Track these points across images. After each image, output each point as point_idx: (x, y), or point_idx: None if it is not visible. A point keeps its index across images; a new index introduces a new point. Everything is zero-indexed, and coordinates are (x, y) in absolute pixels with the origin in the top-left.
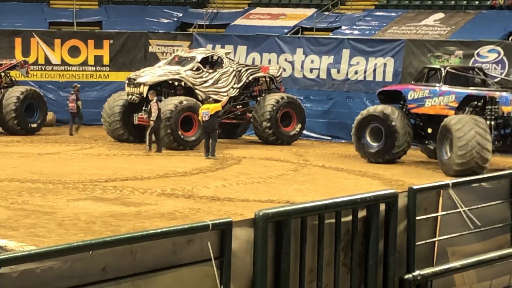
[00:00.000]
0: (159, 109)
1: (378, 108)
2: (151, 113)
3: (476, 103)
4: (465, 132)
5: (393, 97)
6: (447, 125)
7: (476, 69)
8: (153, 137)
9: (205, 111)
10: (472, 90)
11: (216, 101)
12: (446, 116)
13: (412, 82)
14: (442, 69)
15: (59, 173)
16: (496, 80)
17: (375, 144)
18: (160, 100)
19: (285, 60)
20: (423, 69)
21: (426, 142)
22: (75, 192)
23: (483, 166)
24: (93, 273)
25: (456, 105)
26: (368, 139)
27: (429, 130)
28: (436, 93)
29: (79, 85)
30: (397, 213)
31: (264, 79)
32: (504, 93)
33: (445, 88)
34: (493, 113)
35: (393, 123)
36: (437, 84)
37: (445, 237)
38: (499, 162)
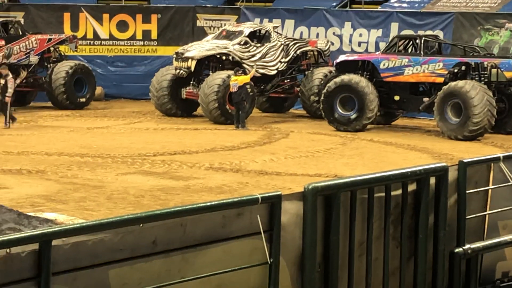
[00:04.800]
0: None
1: (346, 78)
2: (7, 89)
3: (456, 70)
4: (477, 94)
5: (350, 67)
6: (454, 91)
7: (436, 37)
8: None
9: (234, 82)
10: (461, 57)
11: (264, 75)
12: (433, 83)
13: (378, 52)
14: (418, 38)
15: (108, 147)
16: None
17: (347, 114)
18: (208, 74)
19: (333, 34)
20: (393, 38)
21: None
22: (123, 166)
23: (492, 123)
24: (144, 245)
25: (446, 72)
26: (340, 109)
27: (396, 98)
28: (419, 61)
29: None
30: (447, 187)
31: (312, 53)
32: (504, 59)
33: (430, 56)
34: (482, 78)
35: (365, 91)
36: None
37: (495, 210)
38: None
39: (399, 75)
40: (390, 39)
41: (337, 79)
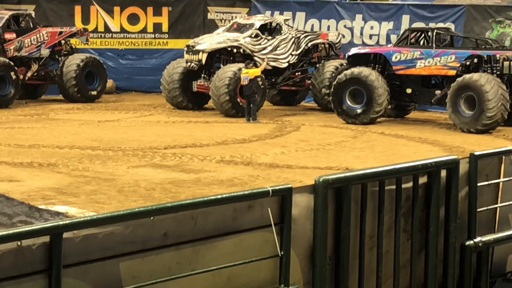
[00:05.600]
0: None
1: (356, 70)
2: None
3: (468, 62)
4: (492, 88)
5: (362, 60)
6: (468, 84)
7: (448, 29)
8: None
9: (245, 75)
10: (473, 50)
11: (275, 68)
12: (445, 76)
13: (390, 45)
14: (430, 31)
15: (119, 140)
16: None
17: (356, 106)
18: (219, 67)
19: (344, 26)
20: (405, 31)
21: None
22: (134, 159)
23: (505, 117)
24: (155, 238)
25: (458, 65)
26: (348, 102)
27: (408, 91)
28: (431, 54)
29: None
30: (458, 180)
31: (323, 45)
32: None
33: (442, 48)
34: (494, 70)
35: (374, 85)
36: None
37: (507, 203)
38: None
39: (411, 67)
40: (401, 31)
41: (347, 72)
